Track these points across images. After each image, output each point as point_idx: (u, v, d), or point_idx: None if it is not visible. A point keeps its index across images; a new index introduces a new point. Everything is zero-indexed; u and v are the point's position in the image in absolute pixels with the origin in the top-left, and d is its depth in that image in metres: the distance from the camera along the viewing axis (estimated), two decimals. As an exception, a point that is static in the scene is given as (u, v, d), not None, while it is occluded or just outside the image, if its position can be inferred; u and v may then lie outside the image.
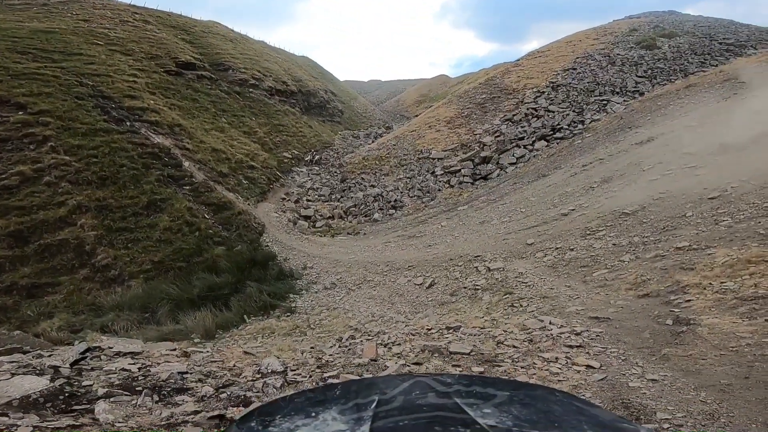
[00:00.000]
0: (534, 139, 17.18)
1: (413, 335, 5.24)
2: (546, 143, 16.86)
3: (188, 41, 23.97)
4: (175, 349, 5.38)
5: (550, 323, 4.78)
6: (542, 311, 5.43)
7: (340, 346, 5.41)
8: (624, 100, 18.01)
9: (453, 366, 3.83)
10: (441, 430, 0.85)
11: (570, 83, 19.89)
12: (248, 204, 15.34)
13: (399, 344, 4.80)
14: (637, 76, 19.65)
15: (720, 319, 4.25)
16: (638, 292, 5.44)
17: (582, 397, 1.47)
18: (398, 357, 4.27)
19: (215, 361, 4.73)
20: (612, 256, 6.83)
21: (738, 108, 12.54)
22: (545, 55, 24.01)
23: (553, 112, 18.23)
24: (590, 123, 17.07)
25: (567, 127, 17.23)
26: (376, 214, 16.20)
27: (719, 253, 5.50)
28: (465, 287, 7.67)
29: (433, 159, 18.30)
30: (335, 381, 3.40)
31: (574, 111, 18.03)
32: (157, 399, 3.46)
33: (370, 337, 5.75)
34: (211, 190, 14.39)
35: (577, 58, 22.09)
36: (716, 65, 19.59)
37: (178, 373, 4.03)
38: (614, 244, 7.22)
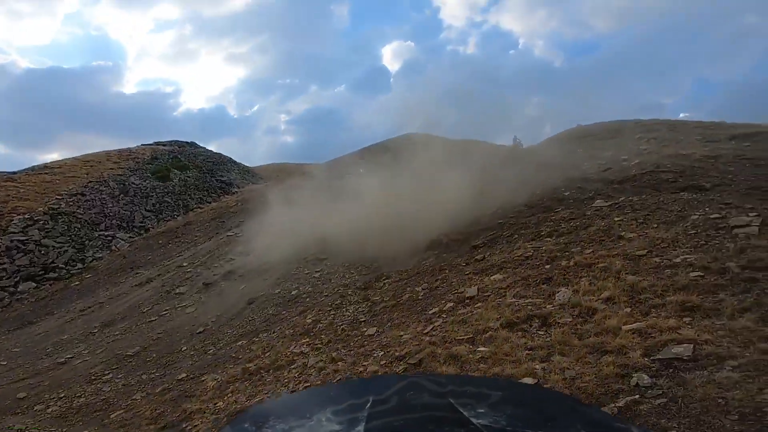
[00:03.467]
0: (18, 279, 14.40)
1: None
2: (35, 285, 14.55)
3: None
4: None
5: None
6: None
7: None
8: (130, 237, 18.38)
9: None
10: (436, 430, 0.88)
11: (75, 212, 18.11)
12: None
13: None
14: (145, 209, 20.06)
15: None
16: (158, 425, 5.90)
17: (576, 397, 1.56)
18: None
19: None
20: (125, 396, 7.08)
21: (216, 248, 15.67)
22: (54, 173, 20.70)
23: (48, 247, 16.19)
24: (92, 261, 16.46)
25: (64, 266, 15.75)
26: None
27: (209, 378, 6.95)
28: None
29: None
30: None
31: (74, 247, 16.77)
32: None
33: None
34: None
35: (90, 182, 20.22)
36: (210, 202, 21.66)
37: None
38: (124, 385, 7.51)
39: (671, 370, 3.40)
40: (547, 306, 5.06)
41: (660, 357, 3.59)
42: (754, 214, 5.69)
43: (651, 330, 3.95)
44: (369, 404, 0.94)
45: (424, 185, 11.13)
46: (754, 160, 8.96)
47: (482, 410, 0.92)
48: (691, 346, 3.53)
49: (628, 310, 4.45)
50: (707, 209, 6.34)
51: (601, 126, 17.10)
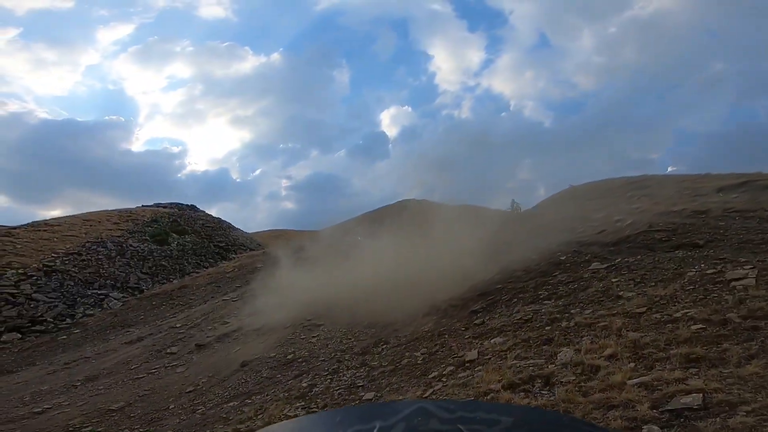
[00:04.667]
0: (3, 329, 14.05)
1: None
2: (20, 336, 14.16)
3: None
4: None
5: None
6: None
7: None
8: (123, 296, 18.27)
9: None
10: None
11: (69, 270, 18.17)
12: None
13: None
14: (141, 272, 20.18)
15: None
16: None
17: (593, 422, 1.49)
18: None
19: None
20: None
21: (211, 311, 15.39)
22: (53, 231, 20.82)
23: (38, 301, 15.96)
24: (82, 318, 16.09)
25: (52, 320, 15.41)
26: None
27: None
28: None
29: None
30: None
31: (65, 303, 16.52)
32: None
33: None
34: None
35: (88, 242, 20.24)
36: (207, 267, 21.43)
37: None
38: (104, 437, 7.09)
39: (682, 420, 3.33)
40: (549, 366, 4.99)
41: (669, 408, 3.51)
42: (750, 266, 5.77)
43: (657, 383, 3.89)
44: (376, 429, 0.91)
45: (423, 251, 11.25)
46: (743, 212, 9.16)
47: None
48: (701, 395, 3.47)
49: (632, 365, 4.40)
50: (703, 265, 6.43)
51: (592, 186, 17.23)
